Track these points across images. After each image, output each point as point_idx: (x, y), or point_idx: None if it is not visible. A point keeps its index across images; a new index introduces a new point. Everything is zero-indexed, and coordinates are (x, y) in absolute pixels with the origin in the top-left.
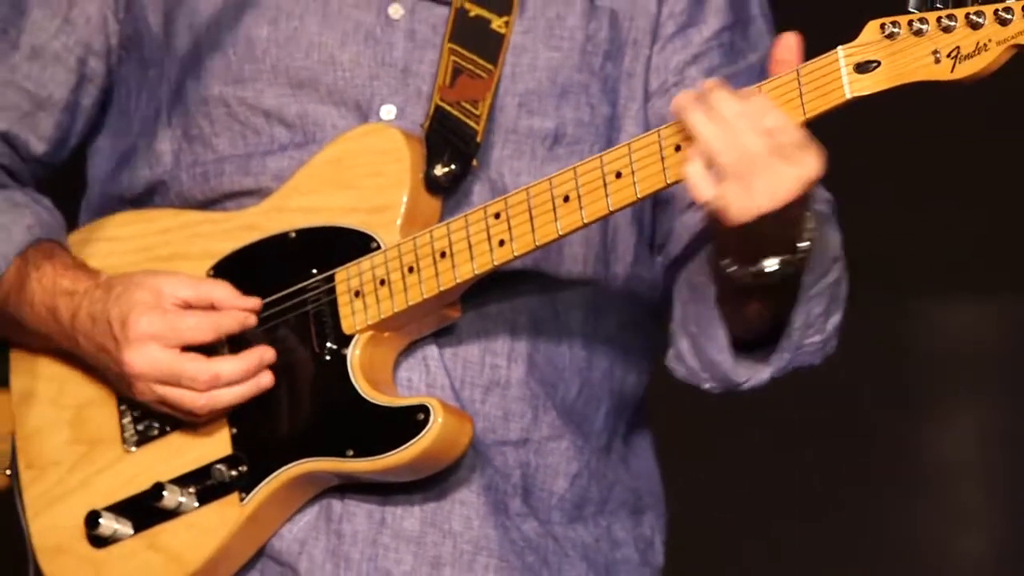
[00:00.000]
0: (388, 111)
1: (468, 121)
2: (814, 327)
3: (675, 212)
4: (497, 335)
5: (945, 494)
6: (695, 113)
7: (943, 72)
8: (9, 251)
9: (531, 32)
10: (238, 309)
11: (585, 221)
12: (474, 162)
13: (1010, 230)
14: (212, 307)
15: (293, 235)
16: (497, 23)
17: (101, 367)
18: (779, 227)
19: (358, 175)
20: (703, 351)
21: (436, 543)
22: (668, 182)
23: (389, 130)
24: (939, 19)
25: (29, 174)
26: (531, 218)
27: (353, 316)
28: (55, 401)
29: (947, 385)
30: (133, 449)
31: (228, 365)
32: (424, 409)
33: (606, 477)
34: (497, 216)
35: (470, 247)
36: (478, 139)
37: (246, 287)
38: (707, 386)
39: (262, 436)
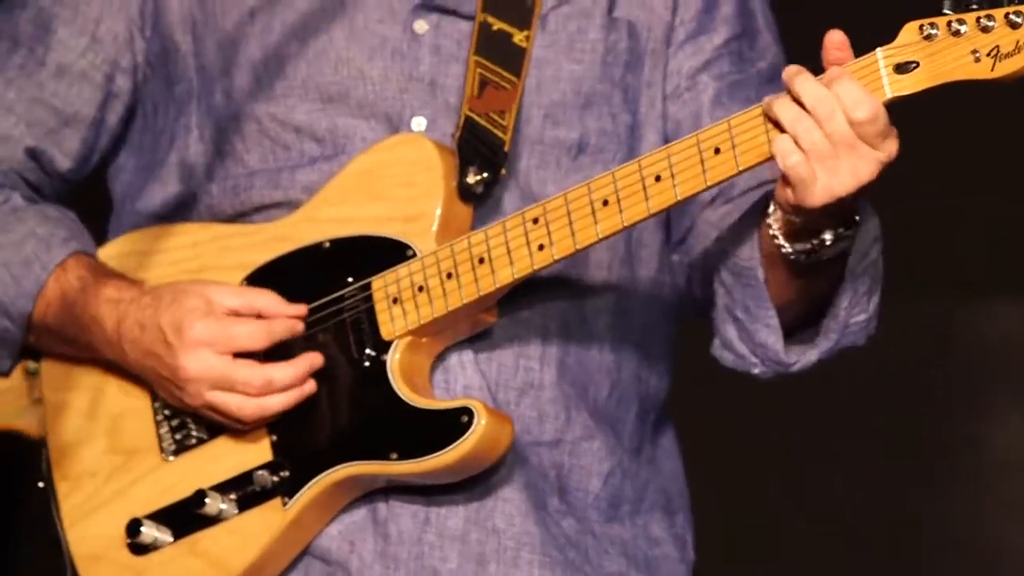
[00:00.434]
0: (419, 123)
1: (496, 131)
2: (859, 306)
3: (695, 209)
4: (529, 339)
5: (1001, 490)
6: (780, 102)
7: (983, 71)
8: (48, 262)
9: (553, 46)
10: (286, 316)
11: (625, 224)
12: (503, 171)
13: None
14: (259, 315)
15: (327, 245)
16: (518, 37)
17: (146, 373)
18: (839, 205)
19: (389, 185)
20: (752, 336)
21: (480, 541)
22: (708, 184)
23: (420, 140)
24: (978, 19)
25: (51, 190)
26: (570, 222)
27: (392, 322)
28: (89, 412)
29: (1002, 382)
30: (171, 458)
31: (280, 371)
32: (467, 411)
33: (639, 476)
34: (535, 221)
35: (509, 252)
36: (506, 148)
37: (282, 297)
38: (756, 371)
39: (303, 442)
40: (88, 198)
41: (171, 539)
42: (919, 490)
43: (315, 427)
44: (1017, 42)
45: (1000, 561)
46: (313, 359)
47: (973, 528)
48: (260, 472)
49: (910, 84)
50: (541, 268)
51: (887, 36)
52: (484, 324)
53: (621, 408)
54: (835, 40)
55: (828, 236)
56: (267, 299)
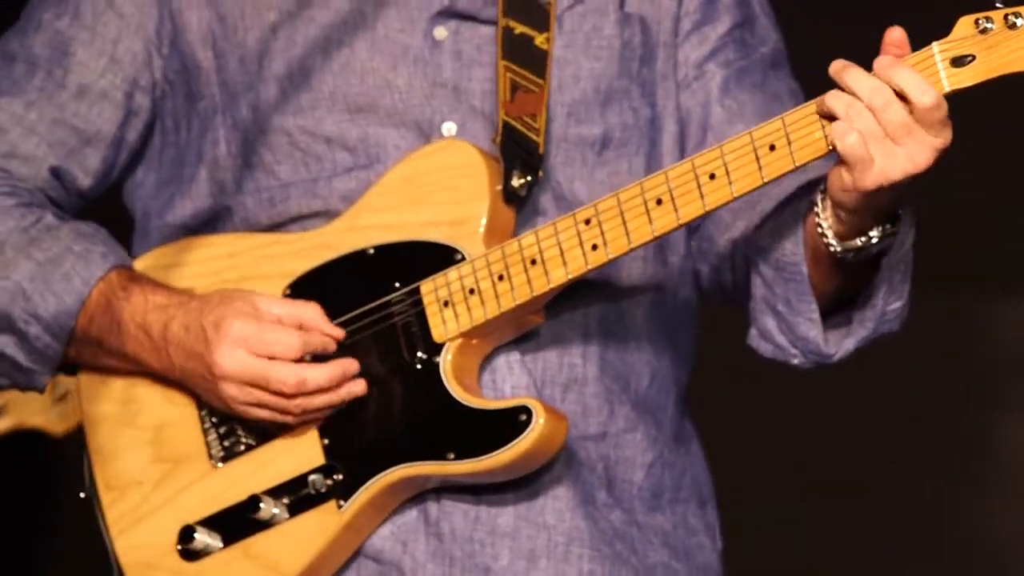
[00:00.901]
0: (449, 128)
1: (530, 134)
2: (896, 293)
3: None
4: (571, 337)
5: (1017, 487)
6: (832, 95)
7: None
8: (89, 277)
9: (571, 46)
10: (323, 333)
11: (681, 222)
12: (540, 172)
13: None
14: (300, 327)
15: (371, 251)
16: (539, 39)
17: (188, 377)
18: (890, 197)
19: (431, 191)
20: (793, 329)
21: (531, 536)
22: (765, 180)
23: (463, 145)
24: None
25: (71, 206)
26: (624, 222)
27: (444, 325)
28: (131, 423)
29: (1017, 379)
30: (220, 465)
31: (314, 372)
32: (526, 410)
33: (676, 465)
34: (588, 222)
35: (562, 253)
36: (540, 150)
37: (326, 304)
38: (796, 362)
39: (356, 445)
40: (100, 213)
41: (221, 544)
42: (935, 485)
43: (368, 429)
44: None
45: (1015, 558)
46: (347, 364)
47: (988, 525)
48: (313, 476)
49: (968, 77)
50: (595, 268)
51: (922, 34)
52: (531, 325)
53: (662, 396)
54: (894, 37)
55: (875, 233)
56: (310, 312)
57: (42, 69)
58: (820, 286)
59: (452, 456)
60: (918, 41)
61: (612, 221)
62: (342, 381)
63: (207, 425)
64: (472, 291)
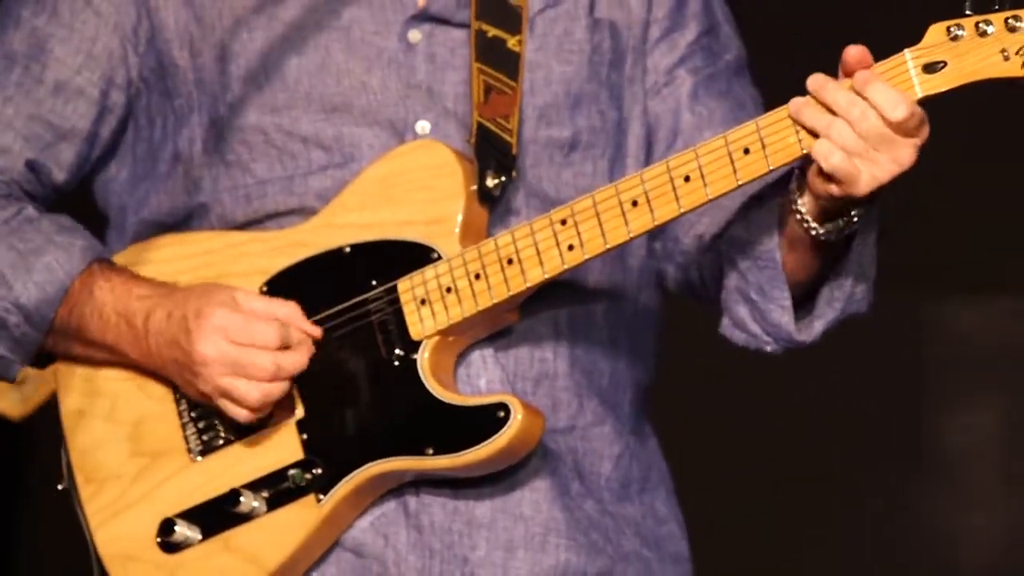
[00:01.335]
0: (423, 127)
1: (503, 135)
2: (864, 275)
3: None
4: (542, 333)
5: (960, 479)
6: (809, 112)
7: (1013, 69)
8: (71, 269)
9: (543, 49)
10: (300, 329)
11: (656, 223)
12: (513, 173)
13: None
14: (277, 322)
15: (347, 250)
16: (512, 42)
17: (167, 367)
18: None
19: (407, 190)
20: (766, 316)
21: (508, 528)
22: (739, 182)
23: (437, 145)
24: (1006, 20)
25: (45, 200)
26: (600, 223)
27: (421, 323)
28: (109, 417)
29: (963, 377)
30: (198, 458)
31: (290, 358)
32: (504, 407)
33: (642, 457)
34: (564, 223)
35: (538, 253)
36: (513, 151)
37: (303, 301)
38: (769, 349)
39: (335, 440)
40: (68, 208)
41: (200, 537)
42: (882, 480)
43: (346, 425)
44: None
45: (961, 549)
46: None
47: (936, 517)
48: (293, 470)
49: (940, 83)
50: (571, 267)
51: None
52: (506, 323)
53: (619, 392)
54: (853, 55)
55: (856, 212)
56: (286, 309)
57: (19, 65)
58: (792, 274)
59: (431, 451)
60: (885, 47)
61: (588, 222)
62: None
63: (185, 419)
64: (449, 289)
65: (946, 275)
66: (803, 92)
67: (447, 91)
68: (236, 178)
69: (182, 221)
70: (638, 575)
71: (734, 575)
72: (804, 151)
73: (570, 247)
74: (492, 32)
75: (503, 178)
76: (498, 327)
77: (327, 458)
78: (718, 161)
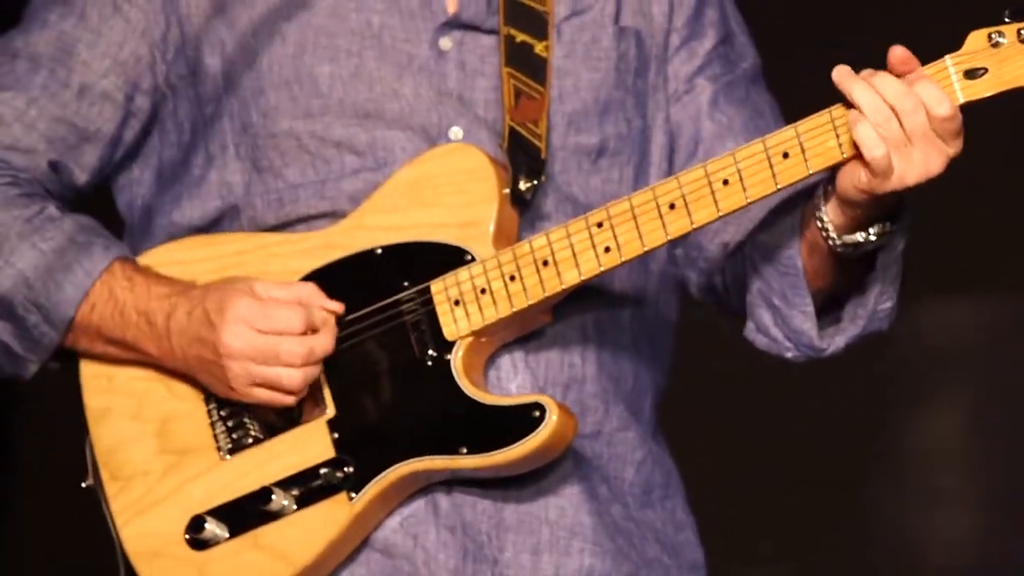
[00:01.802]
0: (456, 133)
1: (533, 140)
2: (887, 294)
3: None
4: (571, 337)
5: (926, 479)
6: (858, 85)
7: None
8: (92, 268)
9: (571, 56)
10: (322, 308)
11: (695, 225)
12: (543, 177)
13: (987, 231)
14: (297, 304)
15: (379, 251)
16: (539, 48)
17: (192, 365)
18: (896, 197)
19: (440, 193)
20: (788, 322)
21: (534, 531)
22: (778, 186)
23: (471, 149)
24: None
25: (65, 201)
26: (637, 225)
27: (455, 324)
28: (135, 416)
29: (928, 379)
30: (228, 457)
31: (321, 341)
32: (539, 407)
33: (662, 464)
34: (600, 225)
35: (575, 255)
36: (543, 155)
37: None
38: (789, 355)
39: (367, 438)
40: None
41: (228, 535)
42: (846, 480)
43: (378, 424)
44: None
45: (925, 551)
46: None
47: (899, 518)
48: (325, 469)
49: (981, 89)
50: (608, 270)
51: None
52: (538, 324)
53: (641, 397)
54: (898, 55)
55: (875, 230)
56: (307, 290)
57: (45, 68)
58: (814, 281)
59: (464, 451)
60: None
61: (625, 225)
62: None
63: (215, 418)
64: (483, 290)
65: (909, 278)
66: (815, 94)
67: (477, 98)
68: (268, 183)
69: (212, 223)
70: None
71: None
72: (844, 156)
73: (607, 249)
74: (520, 37)
75: (535, 182)
76: (530, 328)
77: (359, 457)
78: (757, 165)
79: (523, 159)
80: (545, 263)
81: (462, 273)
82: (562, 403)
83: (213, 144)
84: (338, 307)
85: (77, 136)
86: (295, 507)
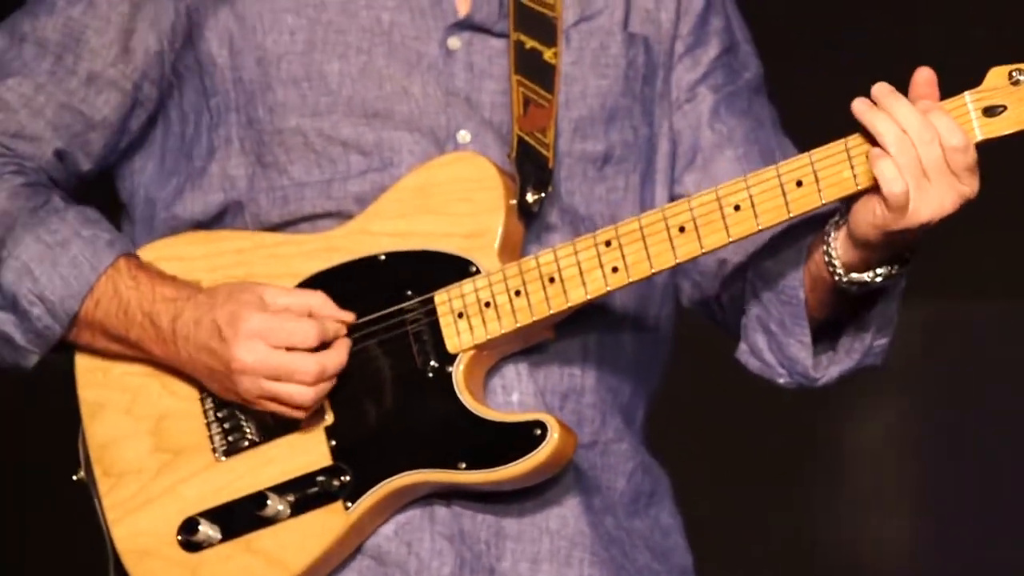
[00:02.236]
0: (463, 136)
1: (540, 149)
2: (884, 330)
3: None
4: (572, 347)
5: (860, 484)
6: (880, 117)
7: None
8: (97, 264)
9: (579, 62)
10: (333, 319)
11: (704, 250)
12: (549, 188)
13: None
14: (310, 315)
15: (382, 258)
16: (548, 54)
17: (198, 370)
18: (909, 239)
19: (446, 201)
20: (783, 349)
21: (535, 540)
22: (791, 215)
23: (478, 158)
24: None
25: (69, 188)
26: (646, 246)
27: (459, 336)
28: (130, 411)
29: (861, 381)
30: (223, 458)
31: (332, 358)
32: (541, 424)
33: (652, 472)
34: (608, 244)
35: (581, 273)
36: (550, 165)
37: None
38: (782, 381)
39: (365, 447)
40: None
41: (221, 537)
42: (782, 485)
43: (377, 433)
44: None
45: (862, 555)
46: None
47: (829, 521)
48: (321, 476)
49: (1000, 127)
50: (615, 289)
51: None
52: (540, 339)
53: (635, 406)
54: (924, 76)
55: (882, 271)
56: (318, 299)
57: (52, 54)
58: (813, 311)
59: (463, 466)
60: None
61: (633, 245)
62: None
63: (211, 418)
64: (488, 304)
65: None
66: (813, 96)
67: (484, 100)
68: (273, 179)
69: (215, 218)
70: None
71: None
72: (859, 187)
73: (614, 269)
74: (529, 44)
75: (542, 194)
76: (532, 343)
77: (356, 465)
78: (769, 192)
79: (531, 169)
80: (551, 280)
81: (467, 285)
82: (563, 421)
83: (217, 136)
84: (349, 317)
85: (83, 124)
86: (290, 513)
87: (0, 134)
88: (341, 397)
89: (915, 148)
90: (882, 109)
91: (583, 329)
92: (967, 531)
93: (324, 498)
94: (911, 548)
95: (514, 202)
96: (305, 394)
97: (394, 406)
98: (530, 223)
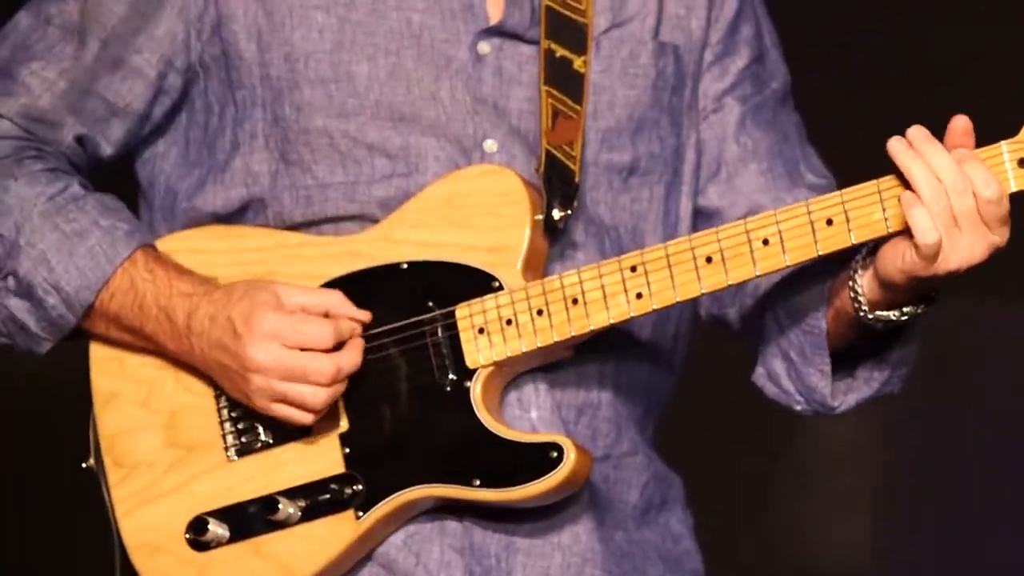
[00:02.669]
0: (491, 145)
1: (568, 163)
2: (906, 361)
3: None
4: (591, 360)
5: (825, 487)
6: (916, 162)
7: None
8: (114, 256)
9: (608, 71)
10: (349, 318)
11: (730, 283)
12: (575, 203)
13: None
14: (326, 314)
15: (404, 266)
16: (577, 63)
17: (212, 367)
18: (936, 282)
19: (472, 214)
20: (803, 378)
21: (545, 555)
22: (819, 253)
23: (506, 172)
24: None
25: (88, 171)
26: (671, 275)
27: (478, 352)
28: (145, 404)
29: None
30: (235, 458)
31: (347, 359)
32: (557, 447)
33: (663, 480)
34: (633, 269)
35: (605, 297)
36: (576, 179)
37: None
38: (798, 408)
39: (379, 457)
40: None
41: (229, 537)
42: (748, 486)
43: (392, 444)
44: None
45: (827, 557)
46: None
47: (800, 524)
48: (334, 483)
49: None
50: (638, 316)
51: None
52: (559, 357)
53: (649, 417)
54: (960, 125)
55: (908, 310)
56: (334, 299)
57: (77, 38)
58: (833, 339)
59: (478, 483)
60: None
61: (659, 272)
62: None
63: (224, 417)
64: (509, 322)
65: None
66: (824, 97)
67: (512, 107)
68: (296, 177)
69: (236, 213)
70: None
71: None
72: (889, 230)
73: (639, 295)
74: (560, 52)
75: (568, 212)
76: (551, 360)
77: (369, 475)
78: (799, 228)
79: (558, 184)
80: (575, 301)
81: (489, 301)
82: (579, 443)
83: (242, 131)
84: (365, 316)
85: (106, 110)
86: (300, 518)
87: (22, 118)
88: (356, 404)
89: (948, 197)
90: (918, 154)
91: (602, 344)
92: (931, 532)
93: (335, 506)
94: (875, 548)
95: (540, 217)
96: (318, 395)
97: (409, 417)
98: (555, 239)
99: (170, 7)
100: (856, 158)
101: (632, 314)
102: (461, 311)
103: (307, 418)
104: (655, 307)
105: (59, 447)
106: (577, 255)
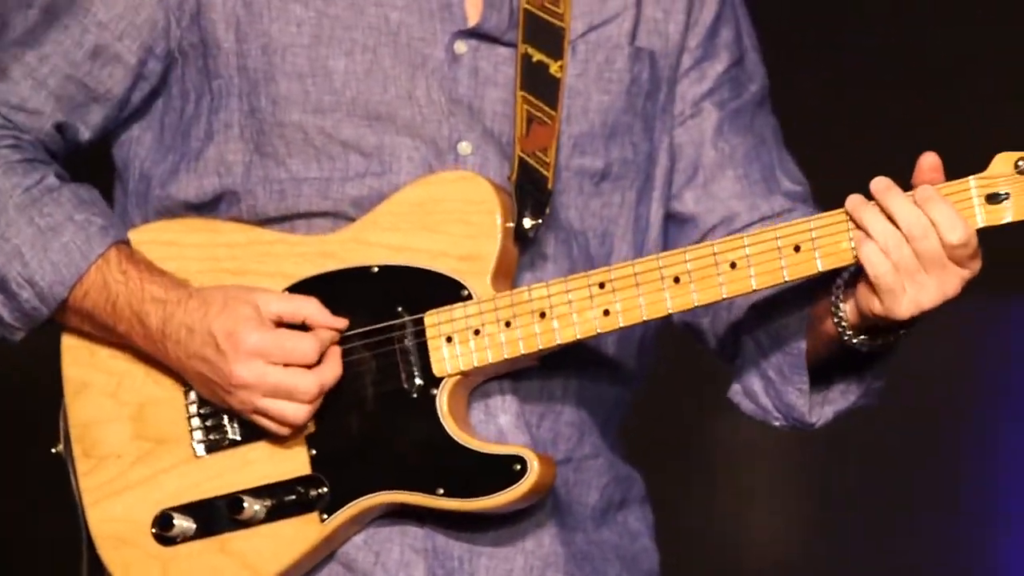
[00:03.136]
0: (465, 147)
1: (541, 169)
2: (882, 376)
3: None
4: (555, 366)
5: (737, 478)
6: (872, 217)
7: None
8: (88, 252)
9: (584, 75)
10: (328, 328)
11: (698, 304)
12: (547, 211)
13: None
14: (303, 323)
15: (375, 270)
16: (554, 68)
17: (187, 372)
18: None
19: (443, 220)
20: (781, 396)
21: (508, 558)
22: (787, 279)
23: (479, 180)
24: None
25: (65, 157)
26: (639, 294)
27: (446, 361)
28: (114, 395)
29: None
30: (203, 454)
31: (328, 375)
32: (521, 460)
33: (624, 481)
34: (602, 286)
35: (572, 312)
36: (549, 186)
37: None
38: (776, 424)
39: (345, 461)
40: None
41: (194, 533)
42: (659, 478)
43: (358, 449)
44: None
45: (734, 550)
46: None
47: (706, 518)
48: (299, 485)
49: (1001, 215)
50: (606, 332)
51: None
52: (524, 365)
53: (613, 420)
54: (929, 162)
55: (891, 335)
56: (312, 307)
57: (60, 23)
58: (810, 356)
59: (441, 492)
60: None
61: (627, 291)
62: None
63: (192, 413)
64: (477, 332)
65: None
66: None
67: (487, 108)
68: (270, 169)
69: (210, 203)
70: None
71: None
72: (855, 259)
73: (606, 312)
74: (537, 56)
75: (540, 220)
76: (517, 368)
77: (334, 478)
78: (767, 254)
79: (530, 193)
80: (543, 315)
81: (457, 310)
82: (542, 454)
83: (217, 120)
84: (342, 324)
85: (86, 96)
86: (266, 518)
87: (1, 105)
88: (324, 407)
89: (910, 243)
90: (878, 205)
91: (568, 352)
92: (851, 524)
93: (300, 507)
94: (787, 545)
95: (511, 225)
96: (299, 412)
97: (376, 422)
98: (525, 247)
99: None
100: (849, 160)
101: (599, 331)
102: (430, 319)
103: (284, 430)
104: (623, 325)
105: (33, 433)
106: (547, 264)
